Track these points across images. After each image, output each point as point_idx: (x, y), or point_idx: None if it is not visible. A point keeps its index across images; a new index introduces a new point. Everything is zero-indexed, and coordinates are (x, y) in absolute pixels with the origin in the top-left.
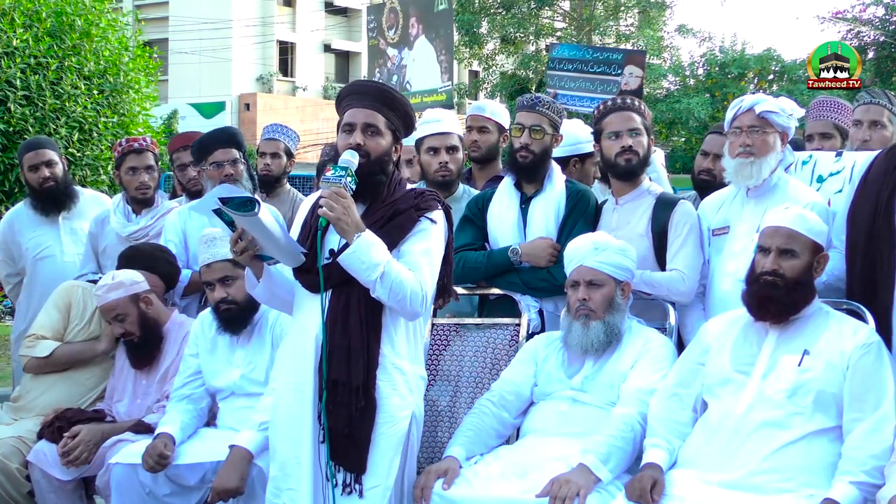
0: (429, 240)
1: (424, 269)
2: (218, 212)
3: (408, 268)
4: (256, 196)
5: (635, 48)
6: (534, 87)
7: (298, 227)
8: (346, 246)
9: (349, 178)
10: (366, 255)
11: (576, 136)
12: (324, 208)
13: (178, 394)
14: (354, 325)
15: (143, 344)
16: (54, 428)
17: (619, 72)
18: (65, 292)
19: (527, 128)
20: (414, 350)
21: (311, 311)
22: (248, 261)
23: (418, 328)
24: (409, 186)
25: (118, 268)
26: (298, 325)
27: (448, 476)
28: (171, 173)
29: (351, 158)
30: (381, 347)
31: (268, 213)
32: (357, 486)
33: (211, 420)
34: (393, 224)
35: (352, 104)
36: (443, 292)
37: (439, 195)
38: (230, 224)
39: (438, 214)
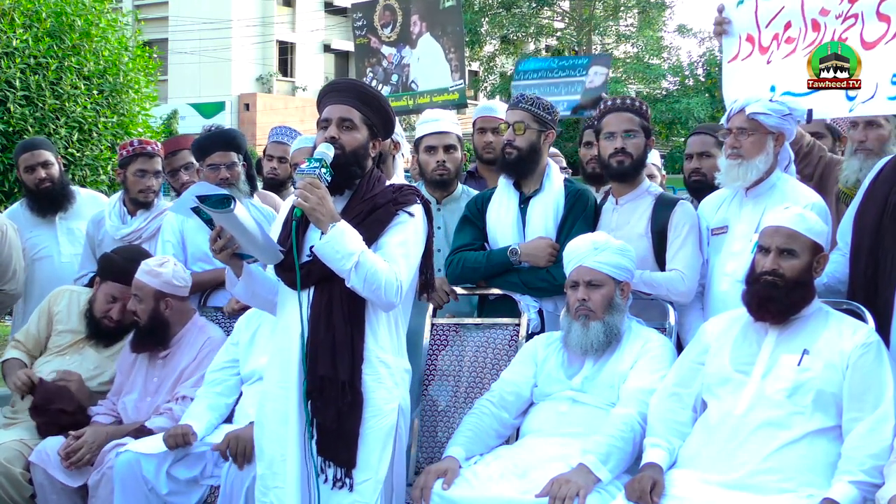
0: (405, 232)
1: (399, 259)
2: (196, 210)
3: (384, 259)
4: (238, 195)
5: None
6: None
7: (280, 227)
8: None
9: (324, 170)
10: (340, 244)
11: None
12: (299, 199)
13: (212, 377)
14: (338, 320)
15: (146, 333)
16: (48, 420)
17: (585, 73)
18: (52, 298)
19: (510, 125)
20: (397, 343)
21: (294, 309)
22: (227, 259)
23: (401, 322)
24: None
25: (98, 268)
26: (283, 323)
27: (448, 476)
28: None
29: (326, 151)
30: (365, 342)
31: (244, 211)
32: (348, 481)
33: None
34: (372, 219)
35: (328, 101)
36: (426, 287)
37: (418, 190)
38: (209, 222)
39: (417, 209)
